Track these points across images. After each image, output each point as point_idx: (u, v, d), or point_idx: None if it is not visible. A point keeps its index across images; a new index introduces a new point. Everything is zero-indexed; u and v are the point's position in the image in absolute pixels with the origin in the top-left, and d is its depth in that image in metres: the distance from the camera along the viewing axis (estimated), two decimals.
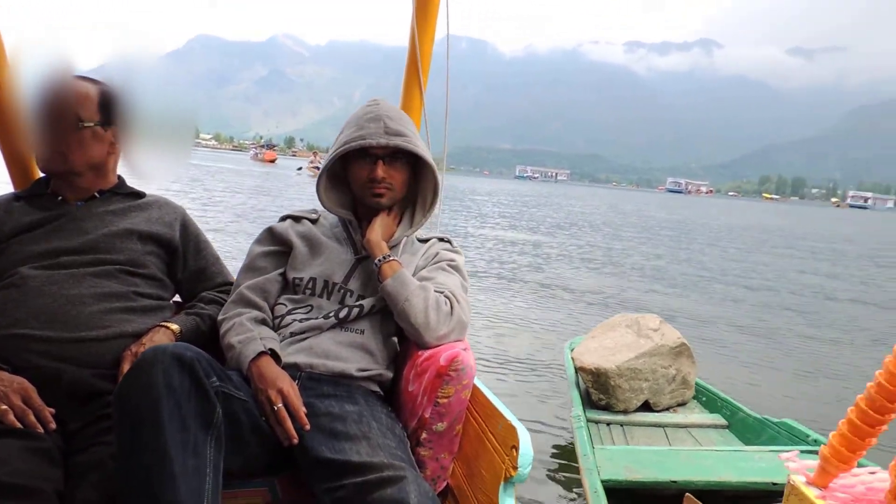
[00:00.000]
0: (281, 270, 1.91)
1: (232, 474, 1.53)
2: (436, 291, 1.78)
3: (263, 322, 1.81)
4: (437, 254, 1.96)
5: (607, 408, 3.58)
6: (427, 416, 1.70)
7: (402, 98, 2.48)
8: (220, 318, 1.83)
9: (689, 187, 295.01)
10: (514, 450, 1.49)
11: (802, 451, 1.53)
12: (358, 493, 1.39)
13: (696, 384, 3.92)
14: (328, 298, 1.84)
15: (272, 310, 1.87)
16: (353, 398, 1.68)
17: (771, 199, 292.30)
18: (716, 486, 2.54)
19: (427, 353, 1.72)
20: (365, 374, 1.78)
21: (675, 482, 2.53)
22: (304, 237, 1.92)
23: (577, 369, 3.69)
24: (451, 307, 1.77)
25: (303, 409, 1.58)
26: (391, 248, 1.88)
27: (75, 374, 1.58)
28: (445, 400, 1.68)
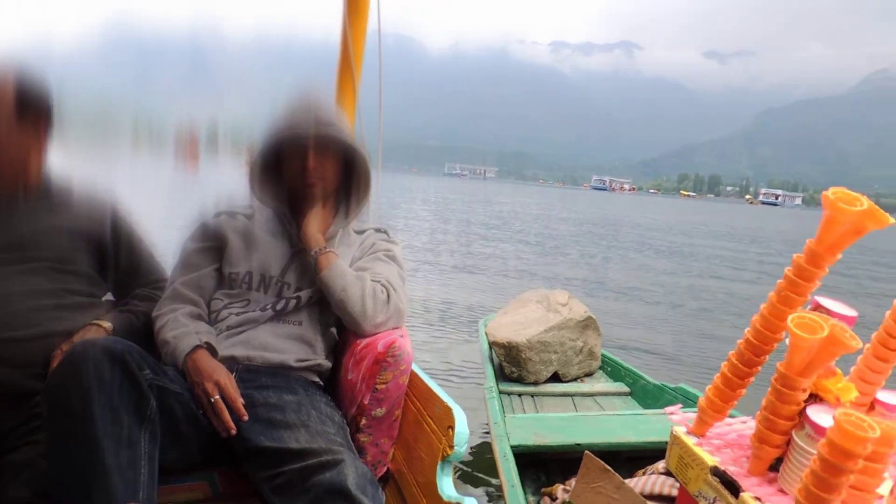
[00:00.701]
0: (216, 266, 1.91)
1: (171, 469, 1.53)
2: (372, 281, 1.83)
3: (199, 317, 1.81)
4: (374, 244, 2.00)
5: (519, 380, 3.72)
6: (366, 402, 1.76)
7: (336, 92, 2.48)
8: (154, 314, 1.81)
9: (613, 185, 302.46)
10: (450, 430, 1.56)
11: (685, 407, 1.64)
12: (297, 479, 1.43)
13: (602, 355, 4.11)
14: (265, 292, 1.85)
15: (208, 305, 1.87)
16: (292, 388, 1.71)
17: (688, 196, 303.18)
18: (616, 446, 2.69)
19: (365, 342, 1.78)
20: (304, 364, 1.81)
21: (579, 444, 2.65)
22: (238, 232, 1.92)
23: (491, 344, 3.81)
24: (388, 296, 1.82)
25: (240, 400, 1.60)
26: (327, 240, 1.91)
27: (5, 375, 1.54)
28: (384, 386, 1.75)
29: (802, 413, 1.27)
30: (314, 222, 1.88)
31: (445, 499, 1.55)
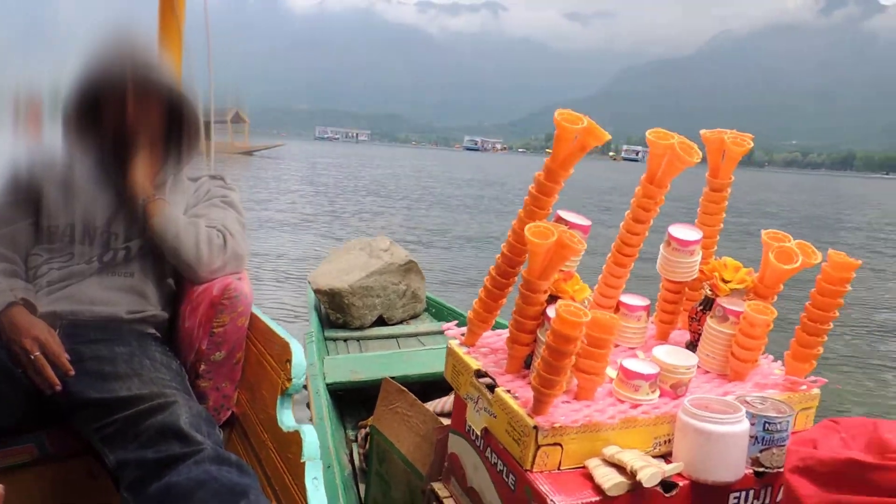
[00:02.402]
0: (31, 220, 1.76)
1: None
2: (208, 227, 1.77)
3: (13, 274, 1.69)
4: (209, 191, 1.95)
5: (344, 325, 3.76)
6: (204, 347, 1.74)
7: (158, 31, 2.35)
8: None
9: (485, 145, 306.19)
10: (287, 363, 1.59)
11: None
12: (128, 425, 1.39)
13: (427, 298, 4.23)
14: (90, 244, 1.75)
15: (25, 261, 1.74)
16: (125, 340, 1.65)
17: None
18: (430, 377, 2.74)
19: (201, 287, 1.75)
20: (136, 316, 1.74)
21: (393, 377, 2.69)
22: (56, 183, 1.79)
23: (315, 292, 3.83)
24: (225, 240, 1.78)
25: (64, 356, 1.52)
26: (157, 187, 1.82)
27: None
28: (221, 329, 1.73)
29: (544, 313, 1.41)
30: (140, 170, 1.79)
31: (285, 430, 1.58)
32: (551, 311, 1.37)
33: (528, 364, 1.50)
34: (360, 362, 2.97)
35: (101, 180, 1.85)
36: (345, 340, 3.64)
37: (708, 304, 1.57)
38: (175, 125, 1.90)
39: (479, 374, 1.49)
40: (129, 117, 1.76)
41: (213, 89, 2.61)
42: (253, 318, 1.82)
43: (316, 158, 47.06)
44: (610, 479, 1.20)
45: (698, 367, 1.51)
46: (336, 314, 3.74)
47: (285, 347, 1.62)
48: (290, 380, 1.60)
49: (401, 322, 3.97)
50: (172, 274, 1.88)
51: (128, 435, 1.39)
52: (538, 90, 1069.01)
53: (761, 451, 1.29)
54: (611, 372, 1.43)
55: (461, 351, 1.62)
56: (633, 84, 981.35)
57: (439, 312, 4.13)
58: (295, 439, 1.54)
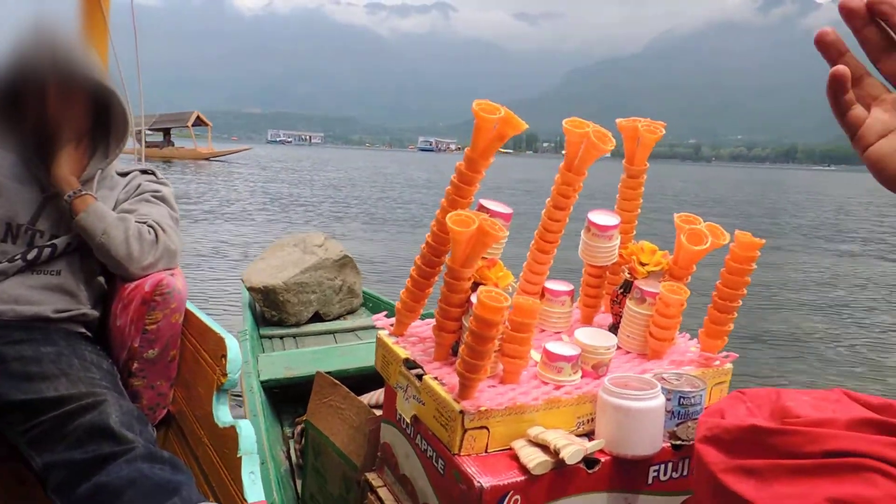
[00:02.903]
0: None
1: None
2: (138, 222, 1.73)
3: None
4: (140, 185, 1.89)
5: (280, 323, 3.71)
6: (136, 345, 1.70)
7: (84, 27, 2.29)
8: None
9: (440, 145, 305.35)
10: (223, 359, 1.57)
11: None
12: (55, 427, 1.35)
13: (364, 293, 4.20)
14: (14, 242, 1.69)
15: None
16: (52, 340, 1.60)
17: (507, 153, 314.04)
18: (366, 370, 2.69)
19: (133, 284, 1.71)
20: (64, 315, 1.69)
21: (329, 372, 2.67)
22: None
23: (249, 290, 3.77)
24: (157, 236, 1.73)
25: None
26: (83, 182, 1.77)
27: None
28: (154, 326, 1.70)
29: (469, 300, 1.43)
30: (65, 165, 1.74)
31: (221, 425, 1.56)
32: (474, 297, 1.40)
33: (455, 351, 1.51)
34: (294, 358, 2.92)
35: (24, 176, 1.80)
36: (281, 338, 3.58)
37: (627, 287, 1.62)
38: (101, 119, 1.86)
39: (408, 363, 1.50)
40: (51, 111, 1.72)
41: (142, 90, 2.56)
42: (188, 314, 1.79)
43: (271, 162, 46.40)
44: (534, 459, 1.23)
45: (619, 347, 1.56)
46: (271, 312, 3.70)
47: (220, 343, 1.61)
48: (225, 375, 1.59)
49: (338, 318, 3.93)
50: (103, 271, 1.84)
51: (55, 436, 1.36)
52: (490, 90, 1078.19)
53: (678, 425, 1.34)
54: (535, 355, 1.46)
55: (390, 341, 1.63)
56: (583, 83, 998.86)
57: (376, 307, 4.08)
58: (231, 434, 1.53)
